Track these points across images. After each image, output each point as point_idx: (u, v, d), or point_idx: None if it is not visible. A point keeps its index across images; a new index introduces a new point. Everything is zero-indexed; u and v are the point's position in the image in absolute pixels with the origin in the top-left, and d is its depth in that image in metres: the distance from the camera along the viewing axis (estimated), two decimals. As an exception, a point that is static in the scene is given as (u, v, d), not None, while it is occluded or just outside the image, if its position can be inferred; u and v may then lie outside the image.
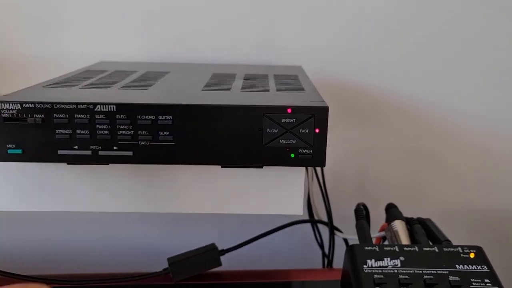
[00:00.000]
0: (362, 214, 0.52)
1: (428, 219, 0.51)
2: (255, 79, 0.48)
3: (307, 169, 0.58)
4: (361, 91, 0.67)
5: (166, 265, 0.50)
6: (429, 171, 0.71)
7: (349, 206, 0.58)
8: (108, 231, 0.73)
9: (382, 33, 0.65)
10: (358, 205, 0.53)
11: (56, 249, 0.73)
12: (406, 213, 0.54)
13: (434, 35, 0.65)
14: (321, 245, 0.62)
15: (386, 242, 0.53)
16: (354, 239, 0.54)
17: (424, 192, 0.72)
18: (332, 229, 0.57)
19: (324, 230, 0.62)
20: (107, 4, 0.63)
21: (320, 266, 0.64)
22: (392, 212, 0.51)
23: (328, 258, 0.59)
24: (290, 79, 0.48)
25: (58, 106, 0.35)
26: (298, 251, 0.72)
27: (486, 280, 0.41)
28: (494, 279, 0.41)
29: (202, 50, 0.65)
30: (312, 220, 0.58)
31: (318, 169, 0.59)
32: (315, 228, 0.63)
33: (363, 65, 0.65)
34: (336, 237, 0.59)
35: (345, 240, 0.57)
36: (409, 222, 0.50)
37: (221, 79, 0.47)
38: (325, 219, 0.59)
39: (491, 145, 0.70)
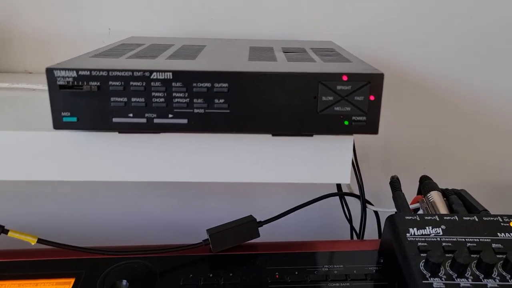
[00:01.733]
0: (398, 185, 0.52)
1: (463, 190, 0.51)
2: (294, 52, 0.48)
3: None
4: (388, 65, 0.67)
5: (201, 238, 0.51)
6: (449, 152, 0.72)
7: (376, 179, 0.59)
8: (140, 204, 0.74)
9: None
10: (392, 178, 0.54)
11: (94, 223, 0.75)
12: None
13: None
14: (350, 219, 0.63)
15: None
16: (385, 211, 0.55)
17: (454, 165, 0.72)
18: (364, 202, 0.57)
19: (352, 204, 0.63)
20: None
21: (347, 237, 0.65)
22: (427, 183, 0.52)
23: (360, 230, 0.60)
24: (329, 51, 0.48)
25: (114, 73, 0.35)
26: (325, 225, 0.73)
27: (528, 247, 0.42)
28: (536, 246, 0.42)
29: (231, 25, 0.64)
30: (345, 193, 0.59)
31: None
32: (344, 202, 0.63)
33: (389, 38, 0.66)
34: (368, 211, 0.60)
35: (376, 213, 0.58)
36: (445, 193, 0.51)
37: (260, 52, 0.47)
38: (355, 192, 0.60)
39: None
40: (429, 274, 0.39)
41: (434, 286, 0.38)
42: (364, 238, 0.61)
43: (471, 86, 0.68)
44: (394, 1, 0.64)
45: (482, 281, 0.38)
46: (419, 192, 0.54)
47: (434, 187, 0.50)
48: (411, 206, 0.53)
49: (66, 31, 0.64)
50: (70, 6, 0.63)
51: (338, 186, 0.62)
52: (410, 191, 0.57)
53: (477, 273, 0.39)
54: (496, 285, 0.38)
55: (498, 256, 0.40)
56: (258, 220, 0.52)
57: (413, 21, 0.65)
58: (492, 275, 0.39)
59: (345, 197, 0.63)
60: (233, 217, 0.53)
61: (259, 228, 0.52)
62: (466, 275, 0.39)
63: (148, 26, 0.64)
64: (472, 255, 0.41)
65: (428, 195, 0.50)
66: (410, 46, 0.66)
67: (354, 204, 0.63)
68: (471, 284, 0.38)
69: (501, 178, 0.74)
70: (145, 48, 0.48)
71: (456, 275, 0.39)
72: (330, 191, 0.62)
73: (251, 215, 0.52)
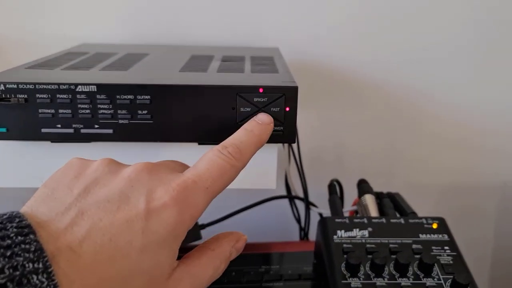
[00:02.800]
0: (334, 189, 0.54)
1: (397, 193, 0.54)
2: (232, 61, 0.50)
3: (290, 149, 0.61)
4: (336, 72, 0.69)
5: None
6: (403, 147, 0.74)
7: (326, 183, 0.61)
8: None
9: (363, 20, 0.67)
10: (331, 181, 0.56)
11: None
12: (380, 188, 0.57)
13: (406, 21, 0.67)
14: (298, 220, 0.65)
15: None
16: (329, 213, 0.57)
17: (395, 169, 0.75)
18: (308, 204, 0.59)
19: (301, 206, 0.65)
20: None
21: (297, 239, 0.67)
22: (362, 187, 0.54)
23: (304, 231, 0.62)
24: (266, 61, 0.50)
25: (40, 86, 0.36)
26: (278, 226, 0.75)
27: (446, 247, 0.44)
28: (453, 246, 0.44)
29: (183, 32, 0.66)
30: (289, 196, 0.61)
31: (295, 148, 0.62)
32: (293, 204, 0.65)
33: (340, 48, 0.68)
34: (312, 213, 0.62)
35: (320, 215, 0.60)
36: (379, 196, 0.53)
37: (199, 60, 0.49)
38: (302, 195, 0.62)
39: (454, 130, 0.74)
40: (349, 274, 0.41)
41: (352, 285, 0.40)
42: (310, 239, 0.64)
43: (414, 91, 0.71)
44: (343, 9, 0.66)
45: (397, 280, 0.41)
46: (358, 194, 0.57)
47: (369, 190, 0.53)
48: (351, 208, 0.56)
49: (21, 36, 0.65)
50: (25, 10, 0.64)
51: (287, 189, 0.64)
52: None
53: (394, 272, 0.41)
54: (409, 284, 0.40)
55: (416, 256, 0.43)
56: (202, 223, 0.54)
57: (363, 27, 0.67)
58: (407, 274, 0.41)
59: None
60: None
61: (202, 231, 0.54)
62: (383, 274, 0.41)
63: (103, 31, 0.66)
64: (392, 256, 0.43)
65: (362, 198, 0.52)
66: (358, 52, 0.68)
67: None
68: (386, 283, 0.40)
69: (444, 179, 0.77)
70: (87, 57, 0.49)
71: (374, 275, 0.41)
72: (280, 193, 0.64)
73: (194, 218, 0.54)
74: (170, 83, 0.37)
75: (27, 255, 0.21)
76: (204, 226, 0.54)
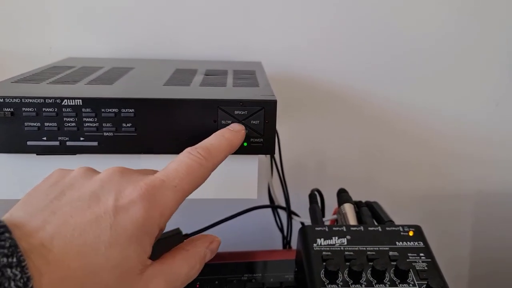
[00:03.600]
0: (315, 199, 0.56)
1: (375, 202, 0.55)
2: (215, 75, 0.51)
3: (272, 160, 0.63)
4: (318, 86, 0.71)
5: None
6: (381, 157, 0.77)
7: (307, 193, 0.62)
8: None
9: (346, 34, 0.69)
10: (312, 191, 0.58)
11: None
12: (359, 197, 0.59)
13: (384, 36, 0.70)
14: (281, 229, 0.67)
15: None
16: (310, 222, 0.58)
17: (375, 177, 0.77)
18: (290, 213, 0.61)
19: (284, 215, 0.67)
20: (75, 0, 0.65)
21: (280, 247, 0.68)
22: (342, 196, 0.55)
23: (286, 240, 0.63)
24: (248, 75, 0.52)
25: (26, 100, 0.37)
26: (261, 235, 0.76)
27: (421, 254, 0.46)
28: (428, 253, 0.46)
29: (168, 46, 0.68)
30: (272, 206, 0.63)
31: (277, 158, 0.63)
32: (276, 213, 0.67)
33: (322, 62, 0.70)
34: (294, 222, 0.64)
35: (302, 224, 0.61)
36: (358, 205, 0.55)
37: (183, 74, 0.51)
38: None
39: (431, 137, 0.76)
40: (328, 281, 0.43)
41: (330, 292, 0.42)
42: (292, 248, 0.65)
43: (392, 101, 0.73)
44: (322, 24, 0.68)
45: (374, 286, 0.42)
46: (338, 204, 0.58)
47: (348, 199, 0.54)
48: (331, 217, 0.57)
49: (7, 50, 0.66)
50: (11, 25, 0.65)
51: (270, 198, 0.65)
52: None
53: (371, 279, 0.43)
54: (385, 290, 0.42)
55: (392, 263, 0.44)
56: (186, 233, 0.55)
57: (342, 40, 0.69)
58: (384, 281, 0.43)
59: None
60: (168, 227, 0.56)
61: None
62: (361, 281, 0.43)
63: (89, 45, 0.67)
64: (369, 263, 0.44)
65: (342, 207, 0.53)
66: (337, 63, 0.70)
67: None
68: (363, 289, 0.42)
69: (422, 186, 0.80)
70: (73, 72, 0.51)
71: (352, 281, 0.43)
72: (264, 203, 0.65)
73: (178, 228, 0.55)
74: (154, 97, 0.38)
75: (1, 250, 0.22)
76: (188, 236, 0.55)
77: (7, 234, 0.23)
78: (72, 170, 0.32)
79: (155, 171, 0.33)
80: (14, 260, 0.22)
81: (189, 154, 0.32)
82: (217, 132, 0.36)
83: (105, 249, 0.26)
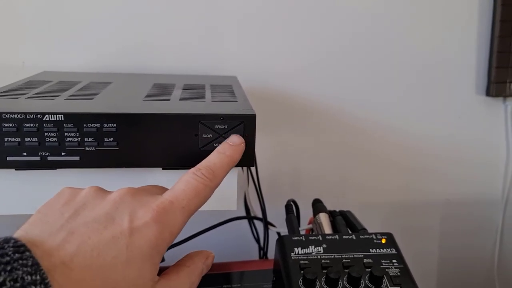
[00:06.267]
0: (291, 209, 0.57)
1: (348, 211, 0.57)
2: (193, 89, 0.52)
3: (248, 172, 0.64)
4: (292, 98, 0.73)
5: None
6: (353, 169, 0.79)
7: (283, 204, 0.64)
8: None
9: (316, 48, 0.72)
10: (288, 202, 0.59)
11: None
12: (334, 207, 0.61)
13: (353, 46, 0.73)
14: (257, 239, 0.68)
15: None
16: (286, 232, 0.60)
17: (349, 187, 0.80)
18: (266, 224, 0.62)
19: (260, 226, 0.68)
20: (48, 14, 0.65)
21: (257, 258, 0.69)
22: (317, 206, 0.57)
23: (263, 250, 0.65)
24: (225, 89, 0.53)
25: (6, 115, 0.37)
26: (238, 246, 0.77)
27: (394, 261, 0.48)
28: (400, 260, 0.48)
29: (144, 60, 0.68)
30: (248, 217, 0.64)
31: (253, 171, 0.65)
32: (252, 224, 0.68)
33: (293, 75, 0.72)
34: (271, 232, 0.65)
35: (278, 234, 0.63)
36: (332, 214, 0.57)
37: (161, 89, 0.52)
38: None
39: (406, 144, 0.80)
40: (306, 289, 0.44)
41: (308, 299, 0.43)
42: (269, 258, 0.66)
43: (363, 119, 0.76)
44: (296, 42, 0.71)
45: (350, 293, 0.44)
46: (313, 213, 0.60)
47: (322, 209, 0.56)
48: (307, 227, 0.59)
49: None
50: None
51: (247, 210, 0.67)
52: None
53: (347, 286, 0.44)
54: (361, 295, 0.43)
55: (367, 270, 0.46)
56: (164, 245, 0.56)
57: (316, 58, 0.72)
58: (360, 287, 0.44)
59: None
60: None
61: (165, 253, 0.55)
62: (337, 288, 0.44)
63: (64, 59, 0.67)
64: (345, 270, 0.46)
65: (317, 216, 0.55)
66: (311, 81, 0.73)
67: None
68: (340, 296, 0.43)
69: (392, 198, 0.83)
70: (50, 86, 0.51)
71: (329, 288, 0.44)
72: (240, 214, 0.66)
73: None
74: (135, 112, 0.39)
75: (25, 269, 0.23)
76: (167, 248, 0.55)
77: (27, 253, 0.24)
78: (81, 189, 0.33)
79: (161, 189, 0.35)
80: (38, 277, 0.23)
81: (194, 176, 0.34)
82: (218, 149, 0.37)
83: (122, 268, 0.28)
